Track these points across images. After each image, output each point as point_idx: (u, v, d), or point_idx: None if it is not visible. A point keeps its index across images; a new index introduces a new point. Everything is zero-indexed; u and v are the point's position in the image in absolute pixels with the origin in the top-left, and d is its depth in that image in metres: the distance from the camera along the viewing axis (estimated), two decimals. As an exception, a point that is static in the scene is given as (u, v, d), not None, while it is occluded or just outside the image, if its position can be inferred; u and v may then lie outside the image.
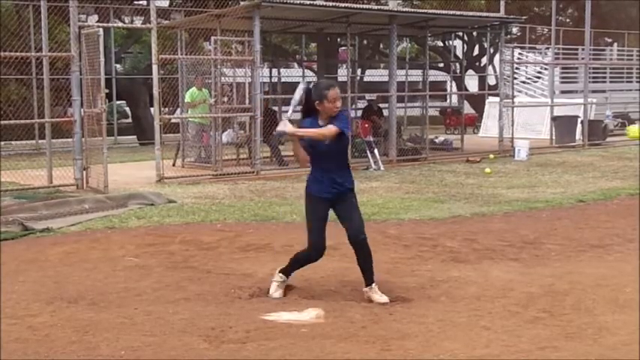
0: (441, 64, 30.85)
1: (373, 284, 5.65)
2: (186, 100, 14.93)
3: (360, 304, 5.48)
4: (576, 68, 27.27)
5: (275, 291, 5.77)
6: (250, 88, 14.73)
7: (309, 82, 6.09)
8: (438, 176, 13.65)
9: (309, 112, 5.61)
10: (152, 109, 15.50)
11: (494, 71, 28.97)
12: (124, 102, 26.12)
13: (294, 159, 12.88)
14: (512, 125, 18.63)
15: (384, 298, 5.57)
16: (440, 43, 31.68)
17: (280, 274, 5.82)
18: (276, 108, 18.53)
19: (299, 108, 5.69)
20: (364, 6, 19.07)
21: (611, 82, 28.42)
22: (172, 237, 8.01)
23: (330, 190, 5.58)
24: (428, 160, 16.32)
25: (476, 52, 33.02)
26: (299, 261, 5.81)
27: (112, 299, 5.69)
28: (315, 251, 5.65)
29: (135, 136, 22.89)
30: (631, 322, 4.97)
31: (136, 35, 25.51)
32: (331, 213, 5.69)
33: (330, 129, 5.46)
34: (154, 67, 12.69)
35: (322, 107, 5.51)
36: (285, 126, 5.42)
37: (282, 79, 21.03)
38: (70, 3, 11.87)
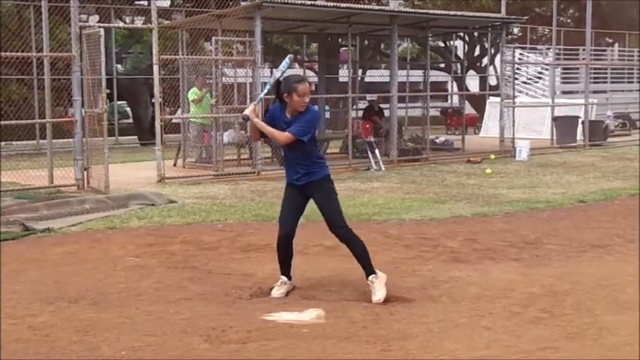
0: (442, 65, 30.86)
1: (371, 276, 5.61)
2: (190, 99, 14.90)
3: (361, 304, 5.48)
4: (577, 69, 27.28)
5: (276, 290, 5.77)
6: (251, 89, 14.73)
7: (292, 57, 6.07)
8: (438, 176, 13.65)
9: (281, 100, 5.55)
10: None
11: (495, 72, 28.97)
12: (124, 102, 26.13)
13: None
14: (513, 125, 18.62)
15: (379, 296, 5.51)
16: (441, 44, 31.69)
17: (282, 276, 5.83)
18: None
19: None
20: (365, 6, 19.08)
21: (611, 82, 28.43)
22: (173, 237, 8.01)
23: (296, 178, 5.60)
24: (429, 161, 16.33)
25: (477, 52, 33.03)
26: (278, 253, 5.81)
27: (113, 299, 5.69)
28: (279, 230, 5.68)
29: (136, 137, 22.91)
30: (632, 323, 4.97)
31: (137, 35, 25.52)
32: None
33: (285, 136, 5.46)
34: (155, 68, 12.70)
35: (290, 100, 5.46)
36: (250, 111, 5.48)
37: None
38: (70, 3, 11.87)
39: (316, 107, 5.96)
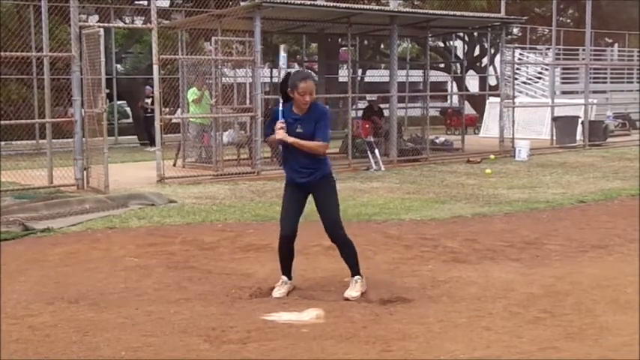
0: (442, 65, 30.87)
1: (357, 276, 5.71)
2: (191, 99, 14.89)
3: (361, 304, 5.48)
4: (577, 69, 27.29)
5: (277, 290, 5.77)
6: (251, 89, 14.73)
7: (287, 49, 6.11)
8: (438, 177, 13.65)
9: (287, 96, 5.57)
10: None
11: (495, 72, 28.99)
12: (124, 102, 26.13)
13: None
14: (513, 126, 18.62)
15: (354, 294, 5.60)
16: (441, 44, 31.71)
17: (282, 276, 5.84)
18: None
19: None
20: (365, 6, 19.08)
21: (611, 82, 28.44)
22: (173, 237, 8.01)
23: (299, 177, 5.61)
24: (428, 161, 16.32)
25: (477, 52, 33.04)
26: (279, 254, 5.82)
27: (113, 299, 5.69)
28: (281, 231, 5.68)
29: (135, 137, 22.91)
30: (632, 323, 4.97)
31: (137, 35, 25.51)
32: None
33: (324, 146, 5.53)
34: (155, 68, 12.69)
35: (292, 97, 5.51)
36: (284, 135, 5.47)
37: (283, 80, 20.99)
38: (70, 3, 11.87)
39: (326, 107, 5.97)
